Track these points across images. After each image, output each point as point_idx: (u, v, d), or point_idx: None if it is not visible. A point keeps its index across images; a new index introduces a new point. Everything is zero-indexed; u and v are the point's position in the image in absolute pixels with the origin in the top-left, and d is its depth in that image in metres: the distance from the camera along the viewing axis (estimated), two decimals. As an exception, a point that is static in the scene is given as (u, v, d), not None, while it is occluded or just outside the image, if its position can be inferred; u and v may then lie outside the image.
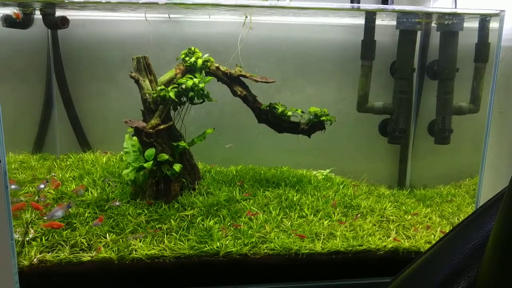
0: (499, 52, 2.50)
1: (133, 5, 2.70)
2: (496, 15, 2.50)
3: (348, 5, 2.81)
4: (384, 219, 2.73)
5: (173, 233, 2.41)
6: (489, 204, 1.30)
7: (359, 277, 2.42)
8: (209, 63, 2.74)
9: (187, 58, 2.73)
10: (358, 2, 2.95)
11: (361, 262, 2.42)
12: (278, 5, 2.50)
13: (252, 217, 2.57)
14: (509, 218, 0.94)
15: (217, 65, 2.78)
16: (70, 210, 2.45)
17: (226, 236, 2.40)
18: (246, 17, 2.95)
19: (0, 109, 2.01)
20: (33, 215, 2.44)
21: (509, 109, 2.64)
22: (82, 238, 2.33)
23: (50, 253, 2.25)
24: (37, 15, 2.83)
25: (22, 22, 2.77)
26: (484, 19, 2.82)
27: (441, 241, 1.32)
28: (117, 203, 2.53)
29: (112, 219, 2.47)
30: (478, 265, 1.09)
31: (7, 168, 2.06)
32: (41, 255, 2.23)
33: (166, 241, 2.36)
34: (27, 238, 2.31)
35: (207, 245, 2.33)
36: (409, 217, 2.78)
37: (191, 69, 2.73)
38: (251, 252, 2.35)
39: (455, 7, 2.86)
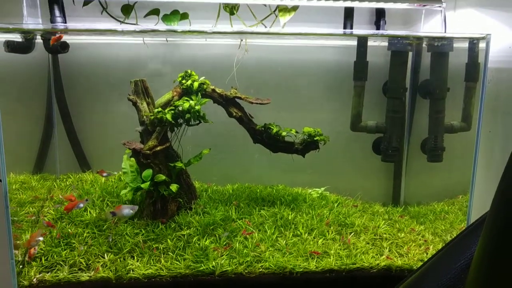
0: (486, 74, 2.58)
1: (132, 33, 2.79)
2: (483, 38, 2.58)
3: (340, 30, 2.90)
4: (378, 237, 2.78)
5: (169, 253, 2.46)
6: (473, 227, 1.36)
7: (352, 295, 2.46)
8: (205, 86, 2.82)
9: (183, 81, 2.80)
10: (351, 26, 3.04)
11: (354, 280, 2.46)
12: (271, 31, 2.59)
13: (248, 236, 2.62)
14: (489, 241, 1.00)
15: (213, 87, 2.85)
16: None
17: (222, 256, 2.45)
18: (242, 40, 3.03)
19: (1, 129, 2.08)
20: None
21: (497, 129, 2.71)
22: (81, 258, 2.38)
23: (49, 273, 2.30)
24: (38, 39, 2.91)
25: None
26: (473, 41, 2.89)
27: (430, 261, 1.37)
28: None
29: (110, 239, 2.52)
30: (463, 285, 1.14)
31: (7, 188, 2.13)
32: (41, 275, 2.28)
33: (163, 261, 2.41)
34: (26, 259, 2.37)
35: (203, 265, 2.38)
36: (403, 234, 2.83)
37: (187, 92, 2.80)
38: (246, 271, 2.39)
39: (445, 31, 2.94)
